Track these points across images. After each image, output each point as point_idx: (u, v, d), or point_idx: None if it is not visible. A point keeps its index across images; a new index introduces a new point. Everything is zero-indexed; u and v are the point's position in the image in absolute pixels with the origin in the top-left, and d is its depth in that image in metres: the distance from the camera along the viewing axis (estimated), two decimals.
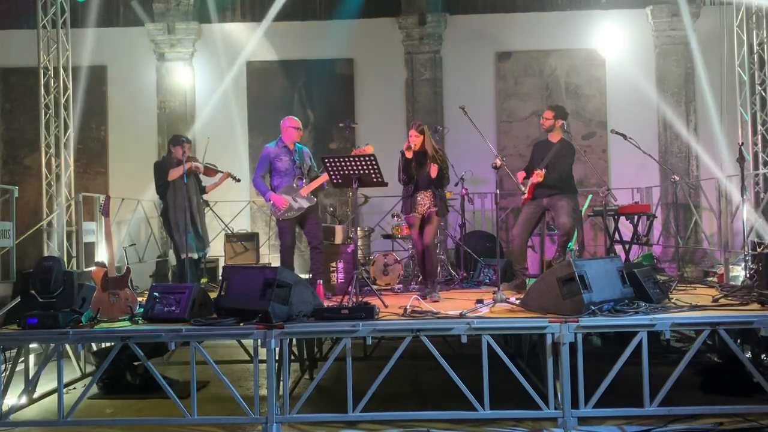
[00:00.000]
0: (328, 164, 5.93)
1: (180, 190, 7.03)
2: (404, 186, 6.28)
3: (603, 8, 11.01)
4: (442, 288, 6.35)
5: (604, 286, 4.85)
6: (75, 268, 8.58)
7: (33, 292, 5.14)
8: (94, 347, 6.26)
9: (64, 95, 10.05)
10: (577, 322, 4.57)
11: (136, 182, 10.08)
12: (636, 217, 7.78)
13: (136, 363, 5.64)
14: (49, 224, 9.53)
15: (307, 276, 6.74)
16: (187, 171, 6.84)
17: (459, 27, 11.50)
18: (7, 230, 7.49)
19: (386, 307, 5.45)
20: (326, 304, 5.54)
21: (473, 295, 6.19)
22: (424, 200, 6.14)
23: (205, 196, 7.91)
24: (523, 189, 6.50)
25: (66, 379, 5.38)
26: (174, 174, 7.14)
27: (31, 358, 5.51)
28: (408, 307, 5.15)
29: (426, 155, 6.08)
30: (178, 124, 11.34)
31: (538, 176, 6.31)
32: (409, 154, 6.09)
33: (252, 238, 9.45)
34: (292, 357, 5.76)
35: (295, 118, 6.79)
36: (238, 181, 7.87)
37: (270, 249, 10.33)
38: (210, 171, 7.54)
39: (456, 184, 8.56)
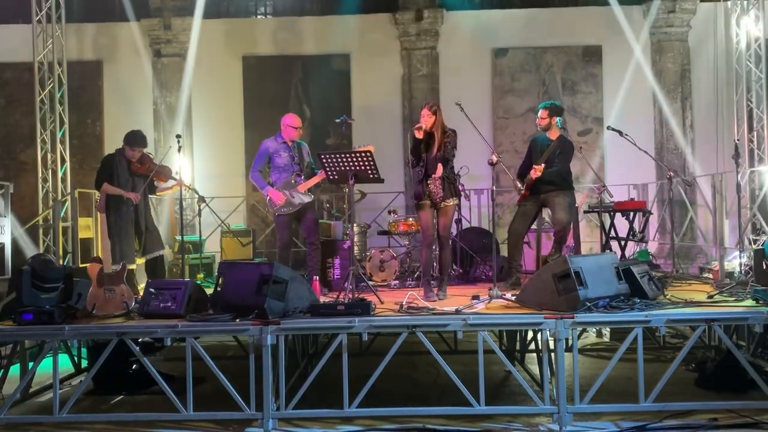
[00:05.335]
0: (324, 160, 5.92)
1: (123, 189, 6.34)
2: (412, 168, 6.05)
3: (599, 5, 11.02)
4: (436, 284, 6.27)
5: (600, 282, 4.86)
6: (71, 263, 8.57)
7: (28, 287, 5.13)
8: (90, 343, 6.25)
9: (59, 90, 10.01)
10: (573, 318, 4.58)
11: None
12: (632, 213, 7.80)
13: (131, 359, 5.63)
14: (45, 220, 9.50)
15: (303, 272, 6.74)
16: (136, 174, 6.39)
17: (455, 23, 11.50)
18: (2, 226, 7.49)
19: (382, 303, 5.44)
20: (322, 300, 5.53)
21: (469, 291, 6.18)
22: (436, 187, 5.91)
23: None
24: (520, 186, 6.49)
25: (61, 375, 5.38)
26: (106, 189, 6.34)
27: (27, 354, 5.51)
28: (404, 303, 5.15)
29: (434, 138, 5.85)
30: (174, 119, 11.33)
31: (537, 171, 6.30)
32: (419, 135, 5.82)
33: (248, 234, 9.45)
34: (288, 353, 5.76)
35: (296, 117, 6.74)
36: (194, 191, 7.45)
37: (266, 245, 10.32)
38: (161, 176, 6.59)
39: None
